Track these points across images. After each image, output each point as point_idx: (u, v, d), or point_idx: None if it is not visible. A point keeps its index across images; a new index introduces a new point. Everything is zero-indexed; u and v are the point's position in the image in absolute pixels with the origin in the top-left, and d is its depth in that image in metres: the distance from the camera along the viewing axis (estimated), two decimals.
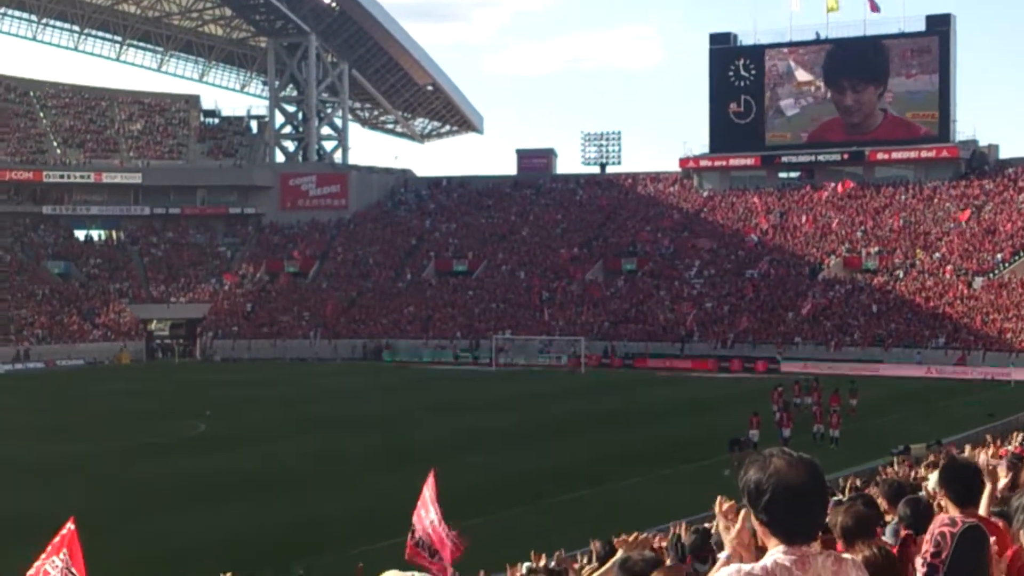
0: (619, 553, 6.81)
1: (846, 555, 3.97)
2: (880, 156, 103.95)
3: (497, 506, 33.90)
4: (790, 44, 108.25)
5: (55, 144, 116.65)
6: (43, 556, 13.58)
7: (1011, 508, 4.52)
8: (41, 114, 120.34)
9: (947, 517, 5.59)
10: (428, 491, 17.60)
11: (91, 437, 50.78)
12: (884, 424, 51.92)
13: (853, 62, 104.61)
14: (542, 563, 15.47)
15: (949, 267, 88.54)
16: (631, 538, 7.00)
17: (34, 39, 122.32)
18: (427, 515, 17.43)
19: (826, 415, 48.15)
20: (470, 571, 19.48)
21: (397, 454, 45.12)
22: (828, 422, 47.29)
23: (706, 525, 17.08)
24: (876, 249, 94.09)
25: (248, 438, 49.98)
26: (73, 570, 13.36)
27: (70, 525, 14.09)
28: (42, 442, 49.04)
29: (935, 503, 8.08)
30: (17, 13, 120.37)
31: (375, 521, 32.56)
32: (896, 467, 25.93)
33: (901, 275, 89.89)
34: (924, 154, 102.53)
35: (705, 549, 7.21)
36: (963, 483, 6.27)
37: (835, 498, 18.69)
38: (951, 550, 4.10)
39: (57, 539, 13.69)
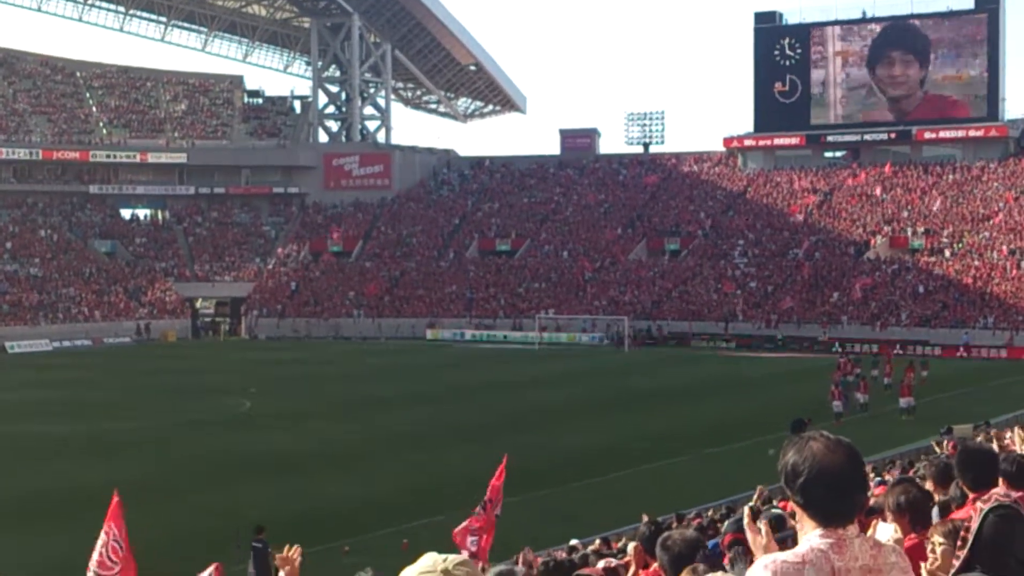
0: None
1: (883, 539, 3.92)
2: (927, 135, 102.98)
3: (542, 484, 33.94)
4: (836, 22, 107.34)
5: (101, 124, 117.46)
6: (103, 532, 13.98)
7: None
8: (87, 94, 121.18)
9: (993, 493, 5.58)
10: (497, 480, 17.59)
11: (140, 414, 51.30)
12: (942, 403, 51.51)
13: (898, 40, 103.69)
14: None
15: (998, 247, 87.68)
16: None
17: (79, 20, 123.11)
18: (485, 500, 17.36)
19: (894, 385, 49.83)
20: (513, 549, 19.48)
21: (445, 433, 45.29)
22: (899, 392, 48.72)
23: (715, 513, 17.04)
24: (923, 229, 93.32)
25: (294, 415, 50.24)
26: (120, 540, 13.72)
27: (115, 498, 14.52)
28: (93, 418, 49.52)
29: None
30: None
31: (421, 499, 32.72)
32: (942, 449, 25.68)
33: (948, 255, 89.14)
34: (972, 133, 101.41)
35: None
36: (978, 468, 6.43)
37: (877, 479, 18.64)
38: (977, 525, 4.10)
39: (108, 514, 14.11)
